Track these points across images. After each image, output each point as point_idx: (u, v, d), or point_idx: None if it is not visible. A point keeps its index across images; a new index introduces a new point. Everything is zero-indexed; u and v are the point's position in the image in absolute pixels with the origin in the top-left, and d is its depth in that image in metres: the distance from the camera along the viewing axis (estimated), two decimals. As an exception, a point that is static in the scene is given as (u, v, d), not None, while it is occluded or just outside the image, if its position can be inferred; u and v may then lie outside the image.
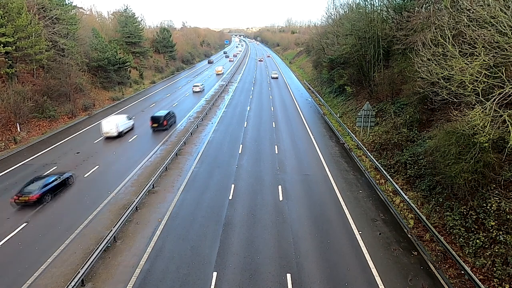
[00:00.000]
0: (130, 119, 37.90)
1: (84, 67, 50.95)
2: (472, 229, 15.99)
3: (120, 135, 34.52)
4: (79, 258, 16.15)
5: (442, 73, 15.80)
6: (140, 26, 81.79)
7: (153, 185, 23.43)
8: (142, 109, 48.11)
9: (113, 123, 34.02)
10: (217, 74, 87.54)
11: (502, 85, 13.96)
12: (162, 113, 34.76)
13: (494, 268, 14.15)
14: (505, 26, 13.83)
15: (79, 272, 14.30)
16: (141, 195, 21.38)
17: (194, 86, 62.97)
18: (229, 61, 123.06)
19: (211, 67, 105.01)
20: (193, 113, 45.57)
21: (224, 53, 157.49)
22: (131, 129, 36.99)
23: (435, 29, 18.77)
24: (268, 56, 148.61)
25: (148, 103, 52.61)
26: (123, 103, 52.89)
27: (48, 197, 21.68)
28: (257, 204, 21.12)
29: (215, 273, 15.03)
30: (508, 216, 14.73)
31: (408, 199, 20.44)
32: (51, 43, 42.57)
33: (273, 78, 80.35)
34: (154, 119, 35.28)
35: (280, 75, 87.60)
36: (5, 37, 35.06)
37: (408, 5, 32.60)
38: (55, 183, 22.42)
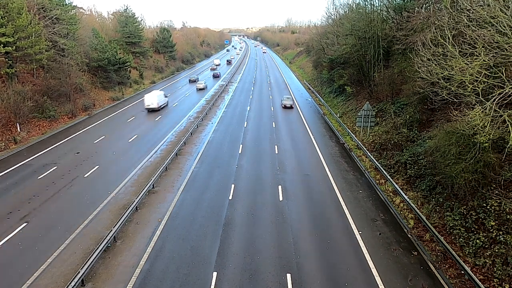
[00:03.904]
0: (166, 96, 49.39)
1: (84, 67, 50.93)
2: (472, 229, 15.99)
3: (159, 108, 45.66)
4: (79, 258, 16.14)
5: (442, 73, 15.79)
6: (140, 26, 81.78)
7: (153, 185, 23.43)
8: (142, 109, 48.12)
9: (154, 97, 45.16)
10: (237, 54, 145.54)
11: (502, 85, 13.96)
12: None
13: (494, 268, 14.15)
14: (505, 26, 13.83)
15: (79, 272, 14.29)
16: (141, 195, 21.38)
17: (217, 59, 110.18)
18: (236, 54, 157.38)
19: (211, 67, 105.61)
20: (193, 113, 45.57)
21: (232, 46, 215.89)
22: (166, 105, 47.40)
23: (435, 29, 18.77)
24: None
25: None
26: (123, 103, 52.89)
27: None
28: (257, 204, 21.12)
29: (215, 273, 15.03)
30: (508, 216, 14.73)
31: (408, 199, 20.44)
32: (51, 43, 42.57)
33: None
34: None
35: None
36: (5, 37, 35.06)
37: (408, 5, 32.60)
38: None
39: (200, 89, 62.96)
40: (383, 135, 29.00)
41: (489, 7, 14.58)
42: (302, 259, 16.03)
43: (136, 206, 20.53)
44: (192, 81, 72.12)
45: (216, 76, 79.89)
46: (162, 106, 46.53)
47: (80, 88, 46.83)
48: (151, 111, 45.35)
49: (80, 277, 14.08)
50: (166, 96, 48.72)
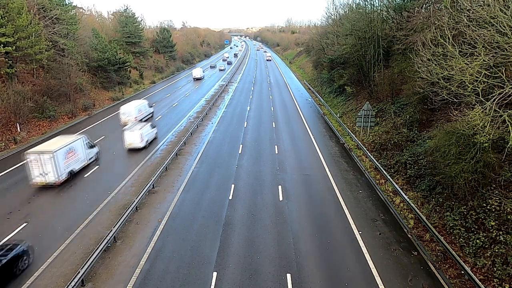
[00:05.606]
0: (204, 71, 74.94)
1: (84, 67, 50.93)
2: (472, 229, 15.99)
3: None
4: (79, 258, 16.15)
5: (442, 73, 15.80)
6: (140, 26, 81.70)
7: (153, 185, 23.43)
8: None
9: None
10: (239, 50, 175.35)
11: (502, 85, 13.96)
12: None
13: (494, 268, 14.16)
14: (505, 26, 13.82)
15: (79, 272, 14.30)
16: (141, 195, 21.38)
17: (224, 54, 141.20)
18: (239, 51, 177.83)
19: (212, 67, 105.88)
20: (193, 113, 45.57)
21: (234, 45, 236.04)
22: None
23: (435, 29, 18.77)
24: None
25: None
26: (123, 103, 52.82)
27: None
28: (257, 204, 21.12)
29: (215, 273, 15.03)
30: (508, 216, 14.74)
31: (408, 199, 20.44)
32: (51, 43, 42.54)
33: None
34: None
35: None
36: (5, 37, 35.04)
37: (408, 5, 32.57)
38: None
39: (221, 70, 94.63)
40: (383, 135, 29.00)
41: (489, 7, 14.57)
42: (302, 259, 16.03)
43: (136, 206, 20.53)
44: (212, 67, 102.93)
45: (228, 63, 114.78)
46: (202, 77, 76.04)
47: (80, 88, 46.82)
48: (197, 79, 73.98)
49: (80, 277, 14.09)
50: (203, 71, 78.73)
